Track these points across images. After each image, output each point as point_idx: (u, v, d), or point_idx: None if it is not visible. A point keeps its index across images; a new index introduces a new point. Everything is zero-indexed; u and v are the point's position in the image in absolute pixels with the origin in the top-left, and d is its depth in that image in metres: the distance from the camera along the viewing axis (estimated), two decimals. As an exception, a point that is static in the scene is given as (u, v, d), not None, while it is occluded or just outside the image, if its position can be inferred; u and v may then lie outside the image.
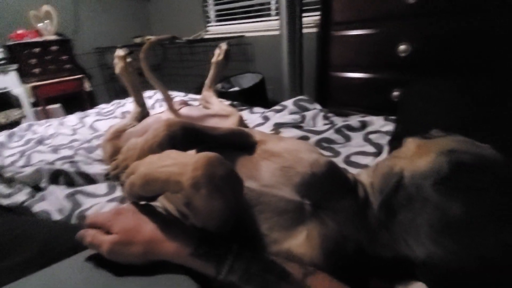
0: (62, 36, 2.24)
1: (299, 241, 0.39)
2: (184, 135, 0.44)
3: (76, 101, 2.20)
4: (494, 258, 0.30)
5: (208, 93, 0.99)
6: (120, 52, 0.91)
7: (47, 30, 2.15)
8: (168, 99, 0.89)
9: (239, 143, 0.51)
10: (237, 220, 0.37)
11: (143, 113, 0.92)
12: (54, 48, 2.11)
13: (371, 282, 0.43)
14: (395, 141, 0.70)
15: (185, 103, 0.98)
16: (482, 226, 0.31)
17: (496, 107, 0.60)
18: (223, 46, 1.00)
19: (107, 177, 0.48)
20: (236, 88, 2.26)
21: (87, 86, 2.33)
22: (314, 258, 0.38)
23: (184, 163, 0.33)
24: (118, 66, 0.91)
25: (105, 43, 2.63)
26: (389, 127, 0.86)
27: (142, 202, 0.40)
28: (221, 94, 2.15)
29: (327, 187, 0.44)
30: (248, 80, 2.33)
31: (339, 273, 0.37)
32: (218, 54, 1.00)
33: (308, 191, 0.42)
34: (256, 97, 2.11)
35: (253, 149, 0.50)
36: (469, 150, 0.38)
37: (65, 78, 2.16)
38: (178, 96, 1.48)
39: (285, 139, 0.53)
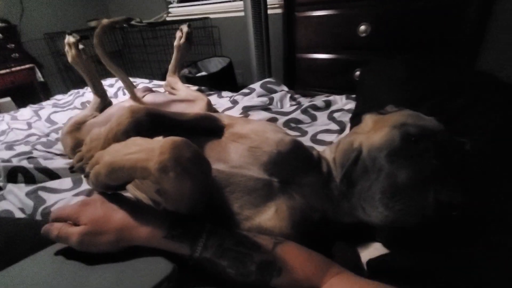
0: (6, 22, 2.01)
1: (269, 216, 0.42)
2: (150, 121, 0.44)
3: (28, 93, 2.02)
4: (430, 212, 0.34)
5: (172, 79, 0.96)
6: (70, 39, 0.84)
7: (-14, 15, 1.93)
8: (130, 86, 0.85)
9: (208, 128, 0.51)
10: (209, 201, 0.39)
11: (104, 103, 0.88)
12: (-4, 35, 1.90)
13: (336, 246, 0.47)
14: (356, 118, 0.74)
15: (149, 90, 0.95)
16: (421, 188, 0.35)
17: (439, 80, 0.65)
18: (184, 28, 0.97)
19: (71, 170, 0.45)
20: (203, 73, 2.21)
21: (39, 76, 2.14)
22: (283, 229, 0.41)
23: (150, 148, 0.33)
24: (69, 54, 0.84)
25: (56, 28, 2.40)
26: (351, 105, 0.90)
27: (110, 192, 0.40)
28: (188, 80, 2.09)
29: (293, 164, 0.46)
30: (215, 64, 2.28)
31: (306, 241, 0.40)
32: (179, 37, 0.97)
33: (275, 168, 0.45)
34: (225, 81, 2.08)
35: (222, 133, 0.51)
36: (416, 123, 0.42)
37: (13, 68, 1.97)
38: (142, 83, 1.42)
39: (252, 121, 0.54)
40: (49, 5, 2.44)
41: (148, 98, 0.87)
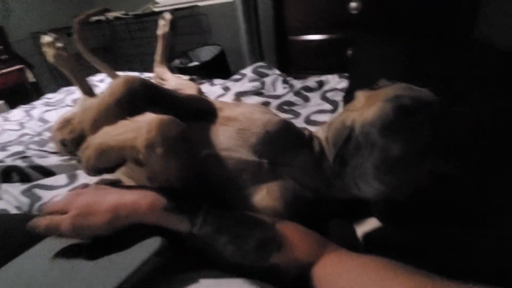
0: (-10, 22, 1.97)
1: (261, 197, 0.42)
2: (144, 93, 0.42)
3: (20, 95, 1.99)
4: (424, 185, 0.34)
5: (160, 69, 0.95)
6: (46, 39, 0.81)
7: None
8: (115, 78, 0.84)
9: (200, 109, 0.51)
10: (204, 185, 0.39)
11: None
12: (-18, 37, 1.86)
13: (331, 223, 0.47)
14: (348, 96, 0.73)
15: None
16: (415, 161, 0.35)
17: (430, 57, 0.64)
18: (167, 16, 0.95)
19: (63, 143, 0.45)
20: (195, 63, 2.18)
21: (29, 76, 2.11)
22: (277, 209, 0.41)
23: (138, 127, 0.33)
24: (48, 54, 0.82)
25: (43, 26, 2.35)
26: (344, 84, 0.89)
27: (105, 176, 0.39)
28: (181, 70, 2.06)
29: (282, 144, 0.46)
30: (207, 53, 2.25)
31: (301, 220, 0.40)
32: (163, 25, 0.94)
33: (264, 149, 0.44)
34: (218, 69, 2.05)
35: (215, 116, 0.50)
36: (409, 95, 0.41)
37: (3, 70, 1.94)
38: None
39: (242, 104, 0.54)
40: (35, 4, 2.38)
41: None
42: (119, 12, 2.37)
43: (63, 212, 0.36)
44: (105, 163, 0.35)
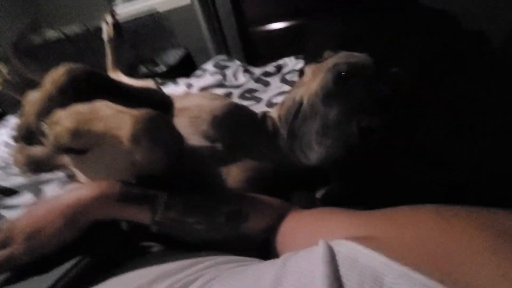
0: None
1: (223, 179, 0.43)
2: (88, 80, 0.39)
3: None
4: (355, 141, 0.36)
5: (115, 75, 0.93)
6: None
7: None
8: None
9: (155, 100, 0.49)
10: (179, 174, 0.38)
11: None
12: None
13: (293, 194, 0.48)
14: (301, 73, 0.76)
15: None
16: (347, 121, 0.37)
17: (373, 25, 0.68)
18: (108, 19, 0.91)
19: (15, 139, 0.42)
20: (163, 68, 2.15)
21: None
22: (240, 188, 0.43)
23: (121, 116, 0.32)
24: None
25: (14, 38, 2.25)
26: (301, 64, 0.92)
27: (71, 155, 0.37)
28: (149, 77, 2.04)
29: (233, 126, 0.47)
30: (172, 56, 2.22)
31: (265, 192, 0.42)
32: (107, 30, 0.91)
33: (216, 134, 0.45)
34: (187, 71, 2.04)
35: (171, 107, 0.50)
36: (347, 61, 0.43)
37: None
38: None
39: (192, 95, 0.55)
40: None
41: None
42: (77, 26, 2.30)
43: (5, 245, 0.32)
44: (77, 145, 0.33)
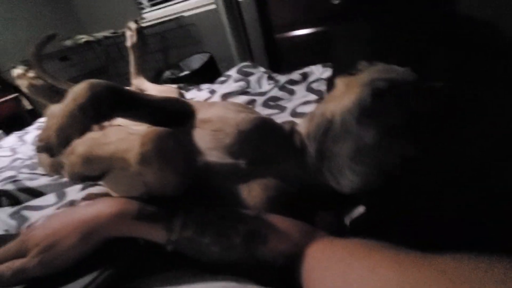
0: (-20, 55, 2.01)
1: (243, 198, 0.40)
2: (110, 98, 0.39)
3: (17, 123, 2.02)
4: (395, 171, 0.32)
5: (138, 81, 0.93)
6: (17, 71, 0.83)
7: (-40, 52, 1.92)
8: None
9: (176, 110, 0.49)
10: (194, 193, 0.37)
11: None
12: (-27, 70, 1.90)
13: (318, 215, 0.45)
14: (331, 84, 0.72)
15: None
16: (385, 147, 0.33)
17: (409, 34, 0.63)
18: (132, 25, 0.92)
19: (37, 150, 0.43)
20: (186, 72, 2.18)
21: (25, 104, 2.14)
22: (260, 208, 0.39)
23: (130, 138, 0.32)
24: (22, 85, 0.84)
25: (33, 49, 2.39)
26: (329, 72, 0.88)
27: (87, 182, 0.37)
28: (173, 81, 2.07)
29: (259, 142, 0.44)
30: (197, 62, 2.26)
31: (287, 212, 0.38)
32: (131, 36, 0.92)
33: (240, 150, 0.42)
34: (209, 76, 2.06)
35: (193, 118, 0.48)
36: (385, 77, 0.39)
37: (-2, 100, 1.97)
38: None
39: (216, 104, 0.52)
40: (22, 32, 2.42)
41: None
42: (107, 31, 2.40)
43: (19, 255, 0.32)
44: (91, 172, 0.33)
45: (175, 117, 0.47)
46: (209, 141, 0.43)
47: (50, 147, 0.39)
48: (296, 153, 0.45)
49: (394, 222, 0.35)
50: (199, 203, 0.36)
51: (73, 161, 0.33)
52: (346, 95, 0.41)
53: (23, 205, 0.67)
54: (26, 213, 0.64)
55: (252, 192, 0.40)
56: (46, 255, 0.30)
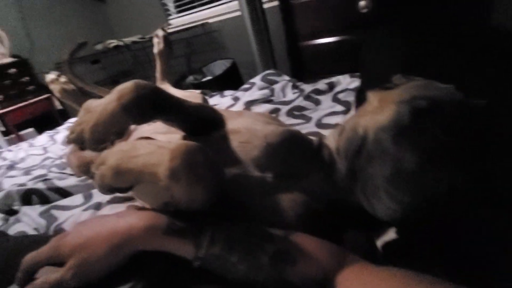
0: (18, 57, 2.13)
1: (268, 213, 0.38)
2: (155, 100, 0.39)
3: (49, 122, 2.12)
4: (442, 201, 0.29)
5: (163, 86, 0.95)
6: (50, 77, 0.88)
7: (0, 54, 2.05)
8: None
9: (208, 117, 0.48)
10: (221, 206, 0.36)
11: None
12: (12, 71, 2.01)
13: (347, 234, 0.43)
14: (360, 95, 0.69)
15: None
16: (429, 173, 0.30)
17: (440, 42, 0.60)
18: (159, 32, 0.95)
19: (67, 141, 0.43)
20: (209, 77, 2.22)
21: (57, 104, 2.25)
22: (288, 225, 0.38)
23: (160, 152, 0.31)
24: (55, 90, 0.88)
25: (66, 56, 2.52)
26: (356, 83, 0.85)
27: (118, 194, 0.37)
28: (195, 86, 2.11)
29: (287, 156, 0.42)
30: (220, 68, 2.28)
31: (315, 230, 0.37)
32: (157, 43, 0.94)
33: (267, 163, 0.41)
34: (231, 82, 2.08)
35: (223, 126, 0.48)
36: (427, 95, 0.35)
37: (31, 100, 2.08)
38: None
39: (244, 113, 0.51)
40: (56, 36, 2.57)
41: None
42: (136, 36, 2.49)
43: (51, 261, 0.32)
44: (120, 184, 0.33)
45: (206, 125, 0.47)
46: (236, 152, 0.42)
47: (82, 141, 0.39)
48: (325, 168, 0.43)
49: (433, 250, 0.33)
50: (226, 218, 0.35)
51: (103, 172, 0.33)
52: (381, 111, 0.37)
53: (52, 204, 0.69)
54: (54, 212, 0.67)
55: (279, 208, 0.39)
56: (78, 269, 0.30)
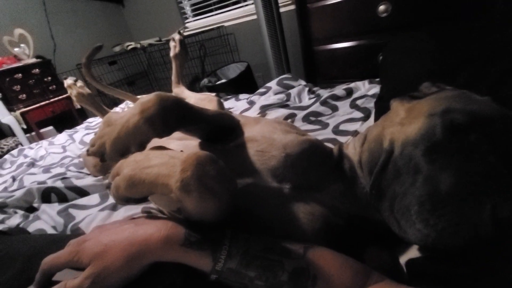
0: (42, 58, 2.21)
1: (285, 226, 0.37)
2: (179, 112, 0.39)
3: (67, 121, 2.19)
4: (485, 234, 0.26)
5: (178, 89, 0.96)
6: (68, 81, 0.93)
7: (25, 54, 2.13)
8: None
9: (226, 125, 0.48)
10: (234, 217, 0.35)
11: None
12: (35, 71, 2.09)
13: (368, 250, 0.41)
14: (381, 102, 0.67)
15: None
16: (473, 199, 0.26)
17: (472, 47, 0.57)
18: (176, 36, 0.96)
19: (88, 153, 0.43)
20: (223, 80, 2.23)
21: (76, 104, 2.31)
22: (306, 239, 0.36)
23: (171, 163, 0.31)
24: (73, 95, 0.92)
25: (83, 59, 2.59)
26: (375, 89, 0.84)
27: (131, 204, 0.37)
28: (209, 89, 2.12)
29: (306, 167, 0.41)
30: (234, 70, 2.29)
31: (334, 246, 0.35)
32: (174, 46, 0.96)
33: (285, 174, 0.40)
34: (245, 85, 2.08)
35: (240, 133, 0.47)
36: (464, 108, 0.32)
37: (52, 99, 2.15)
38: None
39: (262, 121, 0.50)
40: (77, 38, 2.66)
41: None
42: (153, 39, 2.53)
43: (69, 265, 0.32)
44: (134, 195, 0.33)
45: (224, 132, 0.46)
46: (254, 161, 0.41)
47: (102, 154, 0.40)
48: (345, 182, 0.41)
49: (460, 275, 0.30)
50: (243, 230, 0.34)
51: (118, 183, 0.33)
52: (409, 123, 0.35)
53: (70, 203, 0.71)
54: (72, 211, 0.68)
55: (297, 221, 0.37)
56: (97, 279, 0.30)
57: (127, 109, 0.39)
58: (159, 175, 0.30)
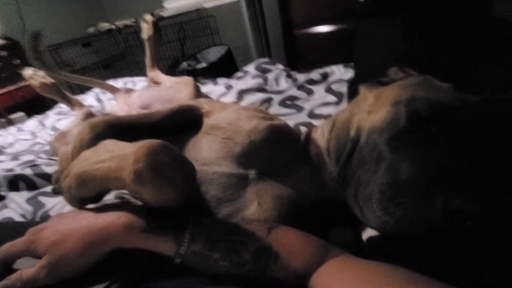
0: (9, 39, 2.07)
1: (251, 210, 0.38)
2: (112, 132, 0.39)
3: (39, 106, 2.08)
4: (437, 224, 0.27)
5: (153, 73, 0.93)
6: (27, 72, 0.89)
7: (-10, 35, 1.99)
8: (112, 89, 0.86)
9: (184, 121, 0.48)
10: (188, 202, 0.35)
11: (87, 113, 0.89)
12: (3, 53, 1.95)
13: (333, 229, 0.43)
14: (353, 87, 0.68)
15: (130, 90, 0.94)
16: (428, 190, 0.27)
17: (438, 34, 0.58)
18: (148, 18, 0.91)
19: (54, 192, 0.44)
20: (203, 64, 2.18)
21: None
22: (271, 219, 0.38)
23: (122, 155, 0.30)
24: (34, 85, 0.89)
25: (58, 39, 2.45)
26: (350, 74, 0.84)
27: (89, 206, 0.35)
28: (189, 73, 2.07)
29: (271, 153, 0.42)
30: (214, 54, 2.24)
31: (299, 226, 0.36)
32: (147, 28, 0.91)
33: (250, 160, 0.41)
34: (226, 69, 2.04)
35: (201, 124, 0.47)
36: (428, 97, 0.33)
37: (21, 84, 2.03)
38: (140, 81, 1.42)
39: (228, 107, 0.50)
40: (48, 18, 2.49)
41: (135, 96, 0.86)
42: (129, 19, 2.42)
43: (25, 254, 0.32)
44: (87, 193, 0.32)
45: (184, 126, 0.46)
46: (219, 149, 0.41)
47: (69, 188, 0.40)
48: (312, 167, 0.42)
49: (418, 248, 0.32)
50: (207, 215, 0.35)
51: (69, 183, 0.32)
52: (375, 110, 0.36)
53: (40, 190, 0.69)
54: (42, 199, 0.66)
55: (263, 205, 0.38)
56: (55, 267, 0.30)
57: (73, 140, 0.41)
58: (110, 169, 0.30)
